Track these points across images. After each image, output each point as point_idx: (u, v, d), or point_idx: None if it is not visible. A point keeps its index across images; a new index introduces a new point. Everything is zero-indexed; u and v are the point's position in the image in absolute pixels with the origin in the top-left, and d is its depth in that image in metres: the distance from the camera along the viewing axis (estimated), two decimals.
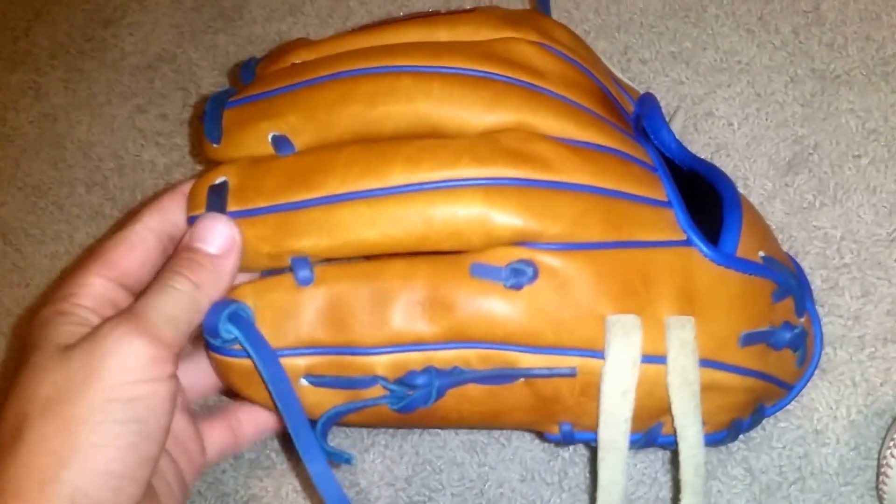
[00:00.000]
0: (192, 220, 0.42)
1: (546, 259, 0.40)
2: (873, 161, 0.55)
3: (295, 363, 0.41)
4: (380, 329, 0.41)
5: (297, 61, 0.46)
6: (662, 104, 0.50)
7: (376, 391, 0.42)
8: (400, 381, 0.41)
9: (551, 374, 0.41)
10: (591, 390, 0.41)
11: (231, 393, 0.53)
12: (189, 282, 0.40)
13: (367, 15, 0.67)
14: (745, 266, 0.43)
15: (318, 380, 0.42)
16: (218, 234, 0.41)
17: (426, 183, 0.40)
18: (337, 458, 0.42)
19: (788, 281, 0.45)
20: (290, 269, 0.41)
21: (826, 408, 0.51)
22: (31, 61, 0.72)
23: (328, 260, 0.42)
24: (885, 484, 0.45)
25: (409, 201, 0.40)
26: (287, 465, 0.55)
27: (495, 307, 0.40)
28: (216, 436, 0.49)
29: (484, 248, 0.40)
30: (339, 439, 0.55)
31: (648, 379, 0.41)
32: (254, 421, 0.50)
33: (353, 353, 0.41)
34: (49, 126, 0.69)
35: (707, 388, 0.41)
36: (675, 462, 0.47)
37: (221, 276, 0.42)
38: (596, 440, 0.42)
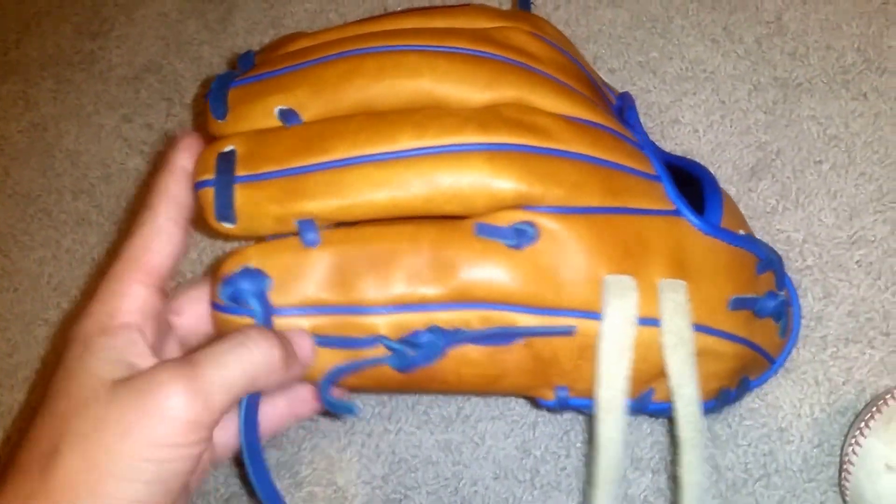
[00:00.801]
0: (198, 186, 0.41)
1: (546, 222, 0.39)
2: (834, 166, 0.54)
3: (299, 323, 0.40)
4: (384, 289, 0.39)
5: (295, 49, 0.45)
6: (636, 113, 0.49)
7: (378, 351, 0.40)
8: (403, 340, 0.40)
9: (551, 333, 0.40)
10: (588, 352, 0.40)
11: None
12: (267, 355, 0.38)
13: None
14: (730, 237, 0.43)
15: (321, 339, 0.40)
16: (306, 350, 0.40)
17: (433, 147, 0.39)
18: (341, 409, 0.42)
19: (770, 255, 0.45)
20: (297, 232, 0.40)
21: (790, 406, 0.50)
22: (22, 72, 0.70)
23: (335, 226, 0.41)
24: (847, 480, 0.45)
25: (416, 164, 0.39)
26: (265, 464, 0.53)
27: (497, 267, 0.39)
28: (229, 434, 0.46)
29: (487, 211, 0.39)
30: (316, 438, 0.53)
31: (642, 342, 0.40)
32: (270, 419, 0.46)
33: (356, 313, 0.40)
34: (38, 135, 0.68)
35: (698, 354, 0.41)
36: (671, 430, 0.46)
37: (289, 373, 0.39)
38: (590, 407, 0.42)
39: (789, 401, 0.50)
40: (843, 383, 0.50)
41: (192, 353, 0.38)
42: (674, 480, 0.48)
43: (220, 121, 0.42)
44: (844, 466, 0.45)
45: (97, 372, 0.37)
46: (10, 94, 0.69)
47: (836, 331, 0.51)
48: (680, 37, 0.60)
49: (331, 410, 0.42)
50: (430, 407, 0.53)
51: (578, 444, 0.51)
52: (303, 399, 0.47)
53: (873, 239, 0.52)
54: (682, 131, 0.57)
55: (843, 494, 0.46)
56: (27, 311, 0.61)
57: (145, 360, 0.38)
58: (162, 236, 0.41)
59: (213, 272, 0.41)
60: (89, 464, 0.35)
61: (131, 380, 0.36)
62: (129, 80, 0.68)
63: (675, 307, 0.40)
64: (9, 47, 0.72)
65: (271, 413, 0.46)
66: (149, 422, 0.35)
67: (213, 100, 0.43)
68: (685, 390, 0.40)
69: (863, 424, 0.44)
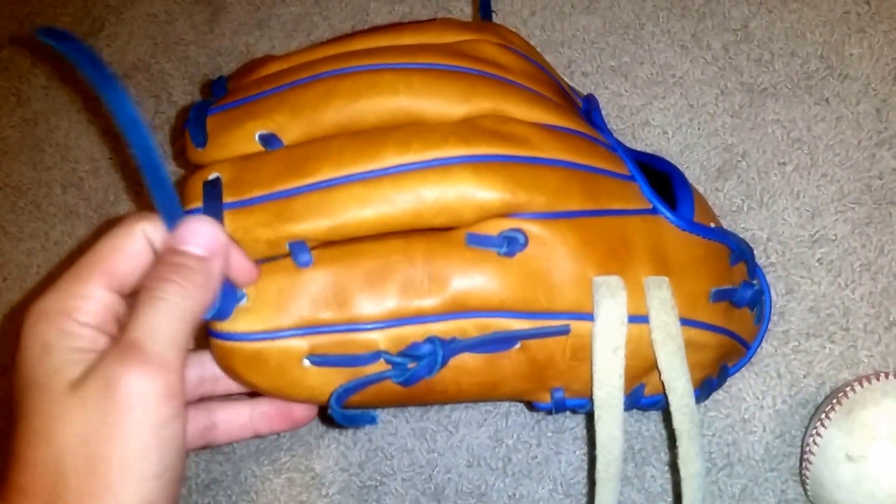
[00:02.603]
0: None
1: (533, 228, 0.38)
2: (797, 168, 0.53)
3: (298, 344, 0.38)
4: (379, 304, 0.38)
5: (268, 73, 0.44)
6: (601, 114, 0.48)
7: (379, 366, 0.39)
8: (403, 353, 0.38)
9: (546, 334, 0.39)
10: (581, 353, 0.40)
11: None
12: (179, 288, 0.35)
13: (329, 29, 0.65)
14: (704, 231, 0.42)
15: (321, 359, 0.39)
16: (204, 235, 0.36)
17: (417, 163, 0.38)
18: (362, 421, 0.40)
19: (741, 246, 0.44)
20: (289, 254, 0.38)
21: (753, 398, 0.49)
22: (14, 69, 0.69)
23: (326, 245, 0.39)
24: (807, 470, 0.44)
25: (402, 180, 0.38)
26: (246, 451, 0.52)
27: (490, 275, 0.38)
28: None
29: (474, 221, 0.38)
30: None
31: (632, 338, 0.39)
32: (230, 428, 0.44)
33: (354, 330, 0.38)
34: (29, 130, 0.66)
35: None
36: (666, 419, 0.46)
37: (210, 279, 0.36)
38: (585, 406, 0.41)
39: (752, 393, 0.49)
40: (804, 376, 0.49)
41: (123, 335, 0.35)
42: (673, 471, 0.48)
43: (200, 149, 0.41)
44: (805, 456, 0.44)
45: (62, 376, 0.34)
46: (3, 91, 0.68)
47: (797, 326, 0.50)
48: (651, 43, 0.59)
49: (350, 425, 0.41)
50: None
51: (549, 434, 0.50)
52: (265, 414, 0.44)
53: (834, 238, 0.51)
54: (652, 133, 0.56)
55: (803, 483, 0.45)
56: (15, 300, 0.60)
57: None
58: (129, 247, 0.37)
59: None
60: (96, 481, 0.33)
61: (87, 383, 0.33)
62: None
63: (662, 303, 0.39)
64: (2, 45, 0.70)
65: (234, 422, 0.44)
66: (127, 417, 0.33)
67: (192, 128, 0.42)
68: (678, 384, 0.39)
69: (823, 416, 0.44)
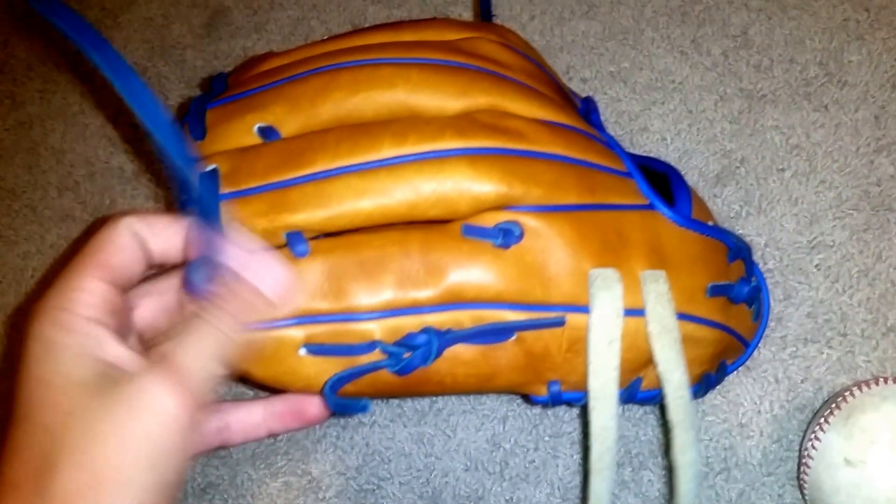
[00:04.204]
0: (184, 206, 0.40)
1: (529, 221, 0.39)
2: (795, 174, 0.54)
3: (294, 334, 0.39)
4: (375, 295, 0.39)
5: (268, 69, 0.45)
6: (600, 116, 0.49)
7: (374, 356, 0.40)
8: (398, 343, 0.39)
9: (541, 325, 0.40)
10: (577, 345, 0.40)
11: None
12: (232, 322, 0.36)
13: (326, 33, 0.66)
14: (701, 227, 0.43)
15: (316, 348, 0.39)
16: (277, 280, 0.38)
17: (414, 154, 0.39)
18: (354, 410, 0.41)
19: (738, 244, 0.45)
20: (286, 244, 0.39)
21: (750, 403, 0.50)
22: (9, 72, 0.70)
23: (323, 236, 0.40)
24: (805, 474, 0.45)
25: (398, 171, 0.38)
26: (243, 455, 0.53)
27: (486, 267, 0.39)
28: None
29: (470, 213, 0.39)
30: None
31: (628, 332, 0.40)
32: (244, 427, 0.45)
33: (350, 320, 0.39)
34: (24, 133, 0.67)
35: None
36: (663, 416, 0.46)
37: (263, 319, 0.38)
38: (582, 399, 0.42)
39: (750, 398, 0.50)
40: (802, 381, 0.50)
41: (160, 346, 0.36)
42: (668, 463, 0.48)
43: (198, 141, 0.42)
44: (803, 461, 0.45)
45: (71, 375, 0.35)
46: None
47: (795, 331, 0.51)
48: (650, 48, 0.60)
49: (342, 413, 0.41)
50: (403, 400, 0.53)
51: (546, 438, 0.51)
52: (278, 414, 0.45)
53: (832, 244, 0.52)
54: (650, 139, 0.57)
55: (801, 488, 0.46)
56: (10, 304, 0.61)
57: (113, 353, 0.36)
58: (119, 241, 0.38)
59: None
60: (91, 477, 0.33)
61: (116, 386, 0.34)
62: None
63: (658, 297, 0.40)
64: None
65: (247, 422, 0.45)
66: (146, 429, 0.34)
67: (191, 121, 0.42)
68: (673, 375, 0.40)
69: (822, 420, 0.45)
